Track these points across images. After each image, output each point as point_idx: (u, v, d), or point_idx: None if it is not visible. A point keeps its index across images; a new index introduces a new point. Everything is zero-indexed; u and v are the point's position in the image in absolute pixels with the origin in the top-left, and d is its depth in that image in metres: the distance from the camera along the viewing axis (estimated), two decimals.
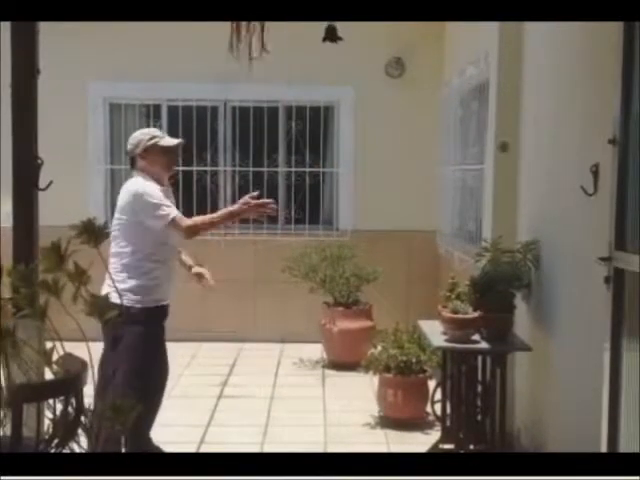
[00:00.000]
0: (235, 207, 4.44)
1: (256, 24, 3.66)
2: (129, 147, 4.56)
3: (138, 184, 4.43)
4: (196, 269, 4.76)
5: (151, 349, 4.42)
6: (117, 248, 4.41)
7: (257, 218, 4.56)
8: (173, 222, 4.33)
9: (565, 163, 4.36)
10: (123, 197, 4.46)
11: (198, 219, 4.47)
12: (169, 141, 4.55)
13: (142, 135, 4.55)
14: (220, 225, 4.57)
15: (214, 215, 4.51)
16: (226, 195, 8.50)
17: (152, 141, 4.47)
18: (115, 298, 4.26)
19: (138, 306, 4.34)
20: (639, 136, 3.32)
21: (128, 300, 4.28)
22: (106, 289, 4.27)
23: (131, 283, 4.36)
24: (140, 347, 4.33)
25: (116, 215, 4.48)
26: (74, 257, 2.49)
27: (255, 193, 4.47)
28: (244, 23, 3.68)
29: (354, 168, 8.34)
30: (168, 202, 4.41)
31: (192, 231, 4.37)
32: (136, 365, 4.32)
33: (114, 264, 4.39)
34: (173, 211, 4.37)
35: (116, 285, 4.30)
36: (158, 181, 4.50)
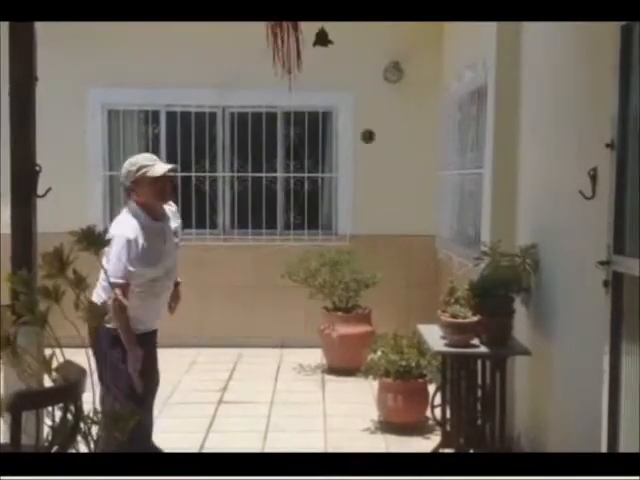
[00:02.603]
0: (130, 348, 4.18)
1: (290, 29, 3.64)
2: (121, 178, 4.42)
3: (118, 226, 4.28)
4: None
5: (129, 373, 4.22)
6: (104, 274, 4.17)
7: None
8: (111, 284, 4.09)
9: (563, 167, 4.37)
10: (110, 230, 4.26)
11: (121, 313, 4.10)
12: (158, 170, 4.32)
13: (130, 166, 4.34)
14: (120, 331, 4.18)
15: (127, 329, 4.17)
16: (225, 201, 8.50)
17: (140, 172, 4.29)
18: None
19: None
20: (637, 140, 3.32)
21: (114, 324, 4.14)
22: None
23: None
24: (118, 370, 4.21)
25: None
26: (74, 264, 2.50)
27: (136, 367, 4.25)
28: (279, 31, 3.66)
29: (353, 173, 8.34)
30: (132, 263, 4.17)
31: (114, 307, 4.10)
32: (117, 387, 4.20)
33: (103, 285, 4.25)
34: (122, 277, 4.13)
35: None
36: (152, 212, 4.35)
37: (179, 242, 4.59)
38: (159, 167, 4.34)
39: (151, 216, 4.34)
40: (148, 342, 4.43)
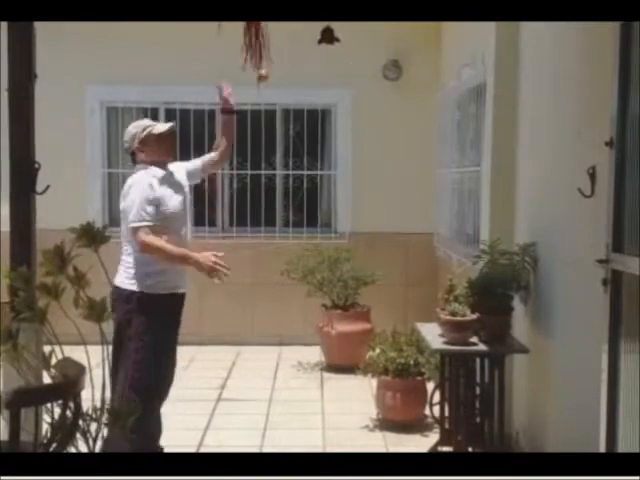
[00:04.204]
0: (196, 255, 4.38)
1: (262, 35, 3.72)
2: (126, 144, 4.61)
3: (135, 177, 4.48)
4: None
5: (158, 337, 4.37)
6: (126, 236, 4.45)
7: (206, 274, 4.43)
8: (133, 230, 4.33)
9: (562, 165, 4.37)
10: (124, 187, 4.53)
11: (157, 243, 4.31)
12: (162, 127, 4.59)
13: (135, 128, 4.58)
14: (171, 259, 4.39)
15: (173, 249, 4.36)
16: (224, 198, 8.50)
17: (146, 131, 4.51)
18: (127, 285, 4.33)
19: (149, 292, 4.35)
20: (636, 138, 3.32)
21: (139, 286, 4.35)
22: (119, 275, 4.41)
23: (140, 270, 4.37)
24: (148, 334, 4.32)
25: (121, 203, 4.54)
26: (75, 261, 2.50)
27: (220, 254, 4.43)
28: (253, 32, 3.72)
29: (352, 171, 8.34)
30: (151, 204, 4.34)
31: (144, 249, 4.32)
32: (144, 353, 4.32)
33: (126, 251, 4.45)
34: (144, 219, 4.31)
35: (129, 271, 4.39)
36: (161, 168, 4.53)
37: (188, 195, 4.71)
38: (161, 126, 4.64)
39: (160, 169, 4.53)
40: (171, 308, 4.49)
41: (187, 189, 4.69)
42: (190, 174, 4.78)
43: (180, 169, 4.72)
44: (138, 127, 4.57)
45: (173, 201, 4.47)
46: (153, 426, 4.47)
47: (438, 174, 7.82)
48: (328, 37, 3.63)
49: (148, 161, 4.52)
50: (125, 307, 4.27)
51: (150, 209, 4.34)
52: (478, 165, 5.97)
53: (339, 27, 3.96)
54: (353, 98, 8.24)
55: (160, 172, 4.50)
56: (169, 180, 4.53)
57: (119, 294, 4.29)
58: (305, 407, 6.27)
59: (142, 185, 4.39)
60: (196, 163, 4.92)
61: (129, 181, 4.51)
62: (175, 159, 4.77)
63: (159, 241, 4.32)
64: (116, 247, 4.50)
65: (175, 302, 4.52)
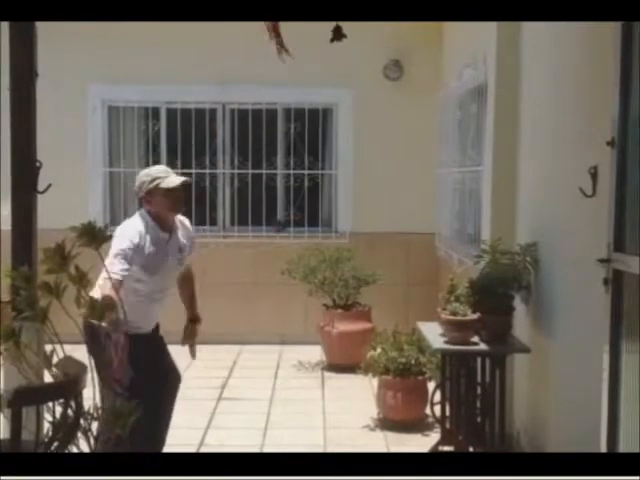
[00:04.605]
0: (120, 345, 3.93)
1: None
2: (135, 189, 4.45)
3: (125, 225, 4.37)
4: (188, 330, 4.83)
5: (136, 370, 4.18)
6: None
7: None
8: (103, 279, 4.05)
9: (564, 165, 4.37)
10: (118, 228, 4.39)
11: (112, 302, 3.61)
12: (172, 181, 4.35)
13: (145, 176, 4.39)
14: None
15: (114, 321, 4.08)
16: (225, 197, 8.50)
17: (154, 183, 4.32)
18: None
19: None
20: (637, 137, 3.32)
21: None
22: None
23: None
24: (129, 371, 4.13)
25: None
26: (76, 261, 2.50)
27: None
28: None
29: (353, 170, 8.34)
30: (126, 262, 4.15)
31: (103, 299, 3.87)
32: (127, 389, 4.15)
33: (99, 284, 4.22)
34: (116, 273, 4.07)
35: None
36: (163, 223, 4.37)
37: (186, 257, 4.55)
38: (172, 179, 4.38)
39: (160, 227, 4.37)
40: (143, 343, 4.31)
41: (180, 252, 4.48)
42: (188, 245, 4.57)
43: (185, 229, 4.56)
44: (148, 176, 4.37)
45: (154, 262, 4.30)
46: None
47: (439, 174, 7.82)
48: (339, 34, 3.68)
49: (151, 211, 4.36)
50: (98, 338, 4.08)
51: (121, 265, 4.14)
52: (479, 165, 5.98)
53: (342, 26, 3.96)
54: (354, 98, 8.24)
55: (154, 230, 4.33)
56: (157, 240, 4.35)
57: (92, 329, 3.73)
58: (306, 406, 6.27)
59: (125, 237, 4.22)
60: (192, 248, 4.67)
61: (121, 226, 4.38)
62: (179, 213, 4.51)
63: (113, 303, 3.76)
64: None
65: (145, 340, 4.36)
